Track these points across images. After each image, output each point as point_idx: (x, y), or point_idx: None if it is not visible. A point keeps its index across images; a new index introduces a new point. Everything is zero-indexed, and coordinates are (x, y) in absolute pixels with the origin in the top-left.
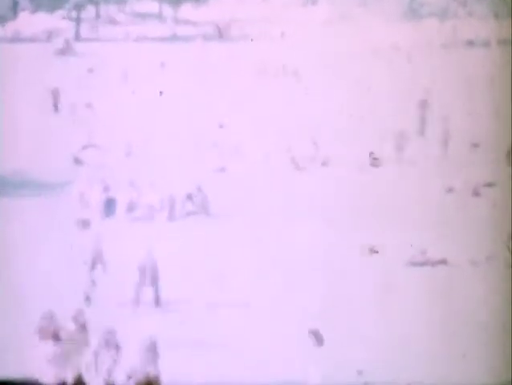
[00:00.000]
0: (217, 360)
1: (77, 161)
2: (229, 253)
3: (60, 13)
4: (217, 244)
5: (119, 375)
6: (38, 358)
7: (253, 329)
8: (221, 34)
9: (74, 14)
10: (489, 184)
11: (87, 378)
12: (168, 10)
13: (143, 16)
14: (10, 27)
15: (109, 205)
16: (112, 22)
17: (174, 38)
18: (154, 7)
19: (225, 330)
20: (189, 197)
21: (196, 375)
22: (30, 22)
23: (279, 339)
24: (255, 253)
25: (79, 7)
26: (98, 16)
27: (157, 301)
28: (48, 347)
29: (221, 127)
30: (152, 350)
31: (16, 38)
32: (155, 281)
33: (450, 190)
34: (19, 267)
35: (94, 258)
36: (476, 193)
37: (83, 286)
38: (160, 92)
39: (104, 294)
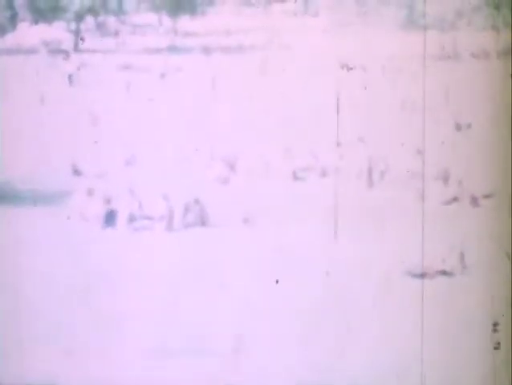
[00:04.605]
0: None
1: (76, 172)
2: (228, 264)
3: (60, 24)
4: (216, 255)
5: None
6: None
7: (252, 334)
8: (220, 44)
9: (73, 25)
10: (489, 195)
11: None
12: (167, 21)
13: (142, 27)
14: (10, 39)
15: (109, 216)
16: (112, 33)
17: (174, 49)
18: (153, 19)
19: (223, 338)
20: (188, 208)
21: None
22: (29, 33)
23: (277, 346)
24: (254, 263)
25: (78, 18)
26: (98, 27)
27: None
28: None
29: (220, 137)
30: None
31: (15, 50)
32: None
33: (449, 200)
34: (17, 277)
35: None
36: (475, 204)
37: (82, 296)
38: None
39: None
